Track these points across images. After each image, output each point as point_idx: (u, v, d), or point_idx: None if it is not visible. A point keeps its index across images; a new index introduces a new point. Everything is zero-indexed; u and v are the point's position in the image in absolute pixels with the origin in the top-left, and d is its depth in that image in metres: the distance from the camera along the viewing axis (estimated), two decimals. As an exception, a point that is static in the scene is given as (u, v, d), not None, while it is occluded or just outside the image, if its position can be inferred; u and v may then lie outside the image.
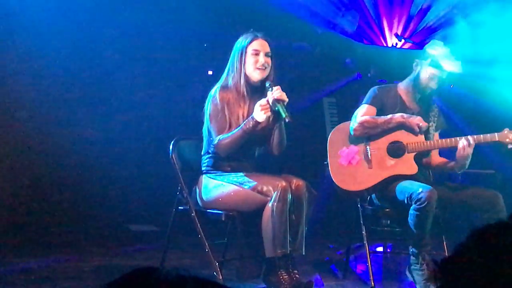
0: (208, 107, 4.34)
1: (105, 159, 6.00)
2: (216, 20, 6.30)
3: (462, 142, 4.48)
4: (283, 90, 4.24)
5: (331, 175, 4.67)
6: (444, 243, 4.72)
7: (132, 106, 6.17)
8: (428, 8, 6.79)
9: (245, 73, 4.33)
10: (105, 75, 6.06)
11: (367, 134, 4.65)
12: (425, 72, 4.61)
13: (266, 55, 4.35)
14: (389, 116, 4.61)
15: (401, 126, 4.63)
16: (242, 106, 4.33)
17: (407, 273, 4.56)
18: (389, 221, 5.03)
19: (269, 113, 4.21)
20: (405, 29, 6.82)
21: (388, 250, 5.41)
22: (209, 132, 4.36)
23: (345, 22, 6.74)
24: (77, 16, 5.85)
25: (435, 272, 1.19)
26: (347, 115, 4.97)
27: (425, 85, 4.63)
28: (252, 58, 4.32)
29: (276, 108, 4.19)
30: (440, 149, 4.76)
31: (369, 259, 4.65)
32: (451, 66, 4.55)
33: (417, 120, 4.56)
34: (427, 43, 4.87)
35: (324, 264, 5.31)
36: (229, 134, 4.25)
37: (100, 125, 5.99)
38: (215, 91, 4.34)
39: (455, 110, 6.03)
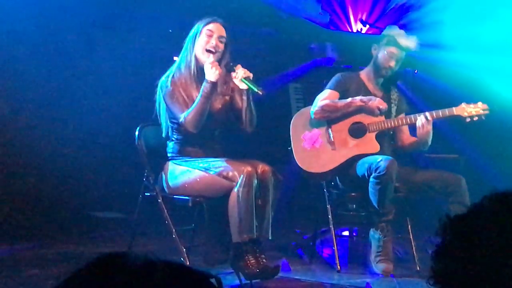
0: (162, 95, 4.34)
1: (71, 146, 5.94)
2: (182, 6, 6.26)
3: (420, 119, 4.58)
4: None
5: (296, 159, 4.75)
6: (409, 225, 4.79)
7: (97, 92, 6.10)
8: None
9: (195, 55, 4.33)
10: (69, 60, 5.99)
11: (327, 118, 4.74)
12: (383, 52, 4.72)
13: (220, 39, 4.35)
14: (349, 99, 4.69)
15: (361, 109, 4.70)
16: (195, 88, 4.33)
17: (370, 258, 4.65)
18: (354, 206, 5.08)
19: (219, 69, 4.23)
20: (370, 15, 6.85)
21: (354, 234, 5.45)
22: (171, 117, 4.35)
23: (308, 8, 6.74)
24: (43, 2, 5.77)
25: (445, 226, 1.19)
26: (313, 101, 5.03)
27: (384, 66, 4.73)
28: (205, 38, 4.33)
29: (248, 87, 4.21)
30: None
31: (335, 243, 4.71)
32: (407, 41, 4.68)
33: (376, 103, 4.65)
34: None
35: (291, 249, 5.33)
36: (192, 107, 4.25)
37: (65, 111, 5.92)
38: (165, 78, 4.35)
39: (419, 95, 6.09)
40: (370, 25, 6.59)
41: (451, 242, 1.18)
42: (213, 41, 4.33)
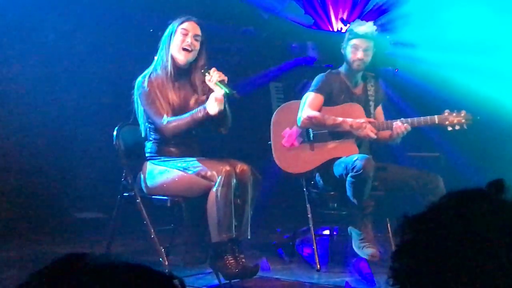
0: (139, 95, 4.32)
1: (50, 145, 5.91)
2: (162, 5, 6.24)
3: (396, 124, 4.61)
4: (225, 73, 4.26)
5: (274, 157, 4.75)
6: (388, 225, 4.80)
7: (77, 91, 6.07)
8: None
9: (171, 54, 4.32)
10: (48, 58, 5.95)
11: (312, 128, 4.73)
12: (349, 47, 4.74)
13: (195, 37, 4.34)
14: (339, 120, 4.67)
15: (346, 113, 4.72)
16: (171, 88, 4.31)
17: (354, 247, 4.66)
18: (336, 205, 5.09)
19: (222, 107, 4.20)
20: (350, 14, 6.85)
21: (335, 233, 5.46)
22: (148, 117, 4.34)
23: (290, 8, 6.73)
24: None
25: (403, 227, 1.19)
26: (294, 100, 5.04)
27: (353, 59, 4.75)
28: (180, 37, 4.31)
29: (223, 91, 4.20)
30: None
31: (314, 242, 4.72)
32: (364, 27, 4.74)
33: (364, 134, 4.64)
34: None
35: (271, 248, 5.33)
36: (177, 118, 4.24)
37: (44, 111, 5.89)
38: (142, 78, 4.33)
39: (400, 93, 6.11)
40: (350, 24, 6.58)
41: (410, 242, 1.18)
42: (189, 40, 4.32)
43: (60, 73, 6.02)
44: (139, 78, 4.36)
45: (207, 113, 4.19)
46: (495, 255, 1.09)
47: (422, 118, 4.67)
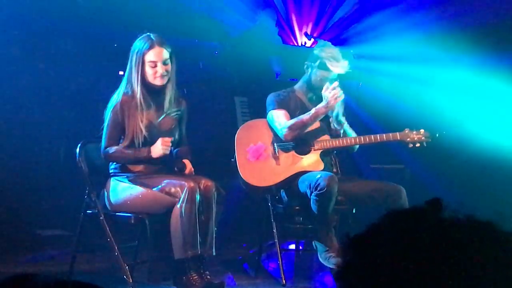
0: (109, 114, 4.30)
1: (13, 162, 5.83)
2: (127, 20, 6.21)
3: (361, 140, 4.73)
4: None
5: (239, 171, 4.73)
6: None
7: (41, 106, 6.01)
8: (337, 7, 6.88)
9: (144, 83, 4.29)
10: (12, 73, 5.89)
11: (298, 135, 4.72)
12: (316, 75, 4.77)
13: (164, 63, 4.31)
14: (313, 110, 4.68)
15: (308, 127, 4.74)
16: (140, 114, 4.29)
17: (320, 259, 4.67)
18: (301, 219, 5.09)
19: (167, 152, 4.25)
20: (314, 28, 6.89)
21: (300, 248, 5.45)
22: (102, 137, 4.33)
23: (262, 22, 6.74)
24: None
25: (344, 247, 1.20)
26: (259, 115, 5.06)
27: (318, 86, 4.77)
28: (151, 70, 4.29)
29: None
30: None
31: (280, 257, 4.70)
32: (338, 68, 4.72)
33: (333, 102, 4.63)
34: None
35: (237, 263, 5.31)
36: (122, 150, 4.27)
37: (6, 127, 5.82)
38: (117, 99, 4.29)
39: (364, 107, 6.14)
40: (314, 38, 6.62)
41: (353, 262, 1.18)
42: (160, 70, 4.30)
43: (23, 87, 5.96)
44: (115, 96, 4.32)
45: (150, 155, 4.24)
46: (434, 273, 1.10)
47: (384, 134, 4.77)
